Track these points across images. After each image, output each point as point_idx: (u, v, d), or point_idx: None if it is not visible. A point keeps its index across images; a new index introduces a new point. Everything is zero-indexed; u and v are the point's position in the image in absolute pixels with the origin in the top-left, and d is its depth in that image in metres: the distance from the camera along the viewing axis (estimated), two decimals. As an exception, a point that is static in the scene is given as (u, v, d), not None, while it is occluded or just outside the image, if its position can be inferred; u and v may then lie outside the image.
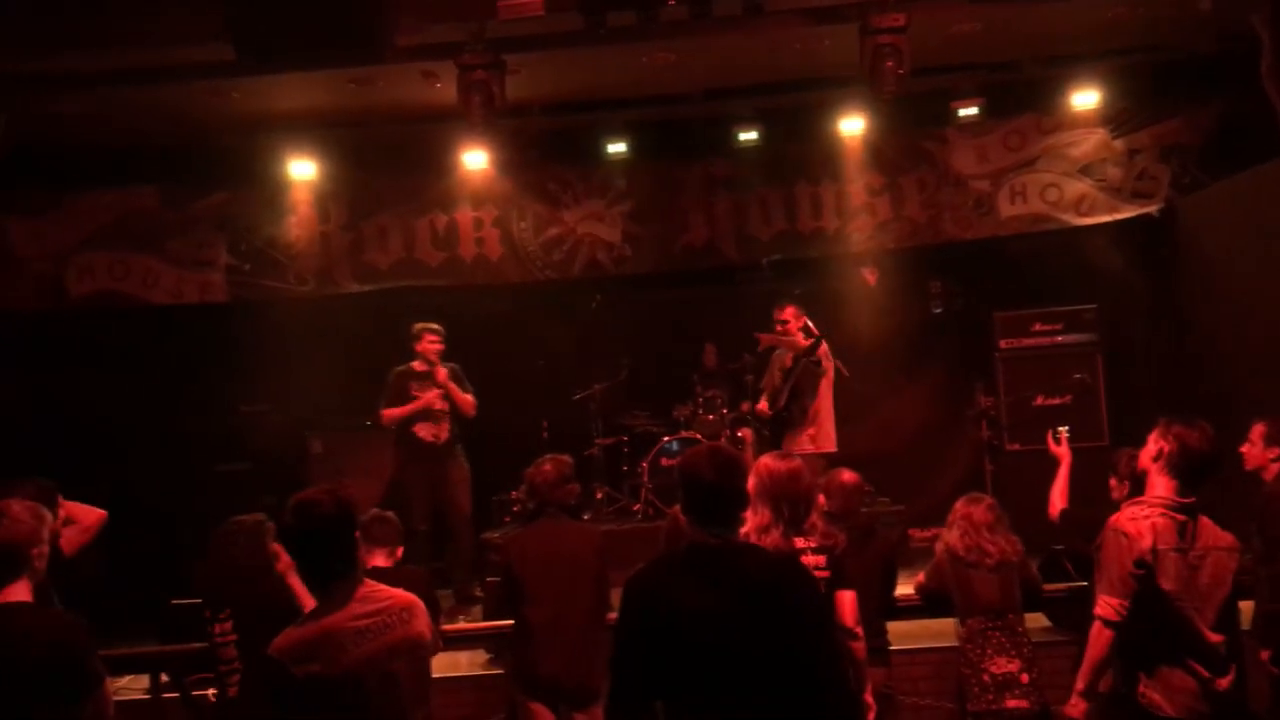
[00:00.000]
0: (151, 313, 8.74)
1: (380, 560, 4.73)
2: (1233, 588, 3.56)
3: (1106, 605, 3.53)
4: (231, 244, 8.80)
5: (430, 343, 7.34)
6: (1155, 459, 3.61)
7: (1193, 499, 3.56)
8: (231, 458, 8.41)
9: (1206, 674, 3.46)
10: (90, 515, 4.94)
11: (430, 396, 7.28)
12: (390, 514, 4.94)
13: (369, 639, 3.16)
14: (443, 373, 7.33)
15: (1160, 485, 3.59)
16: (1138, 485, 3.87)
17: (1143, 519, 3.53)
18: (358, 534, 3.30)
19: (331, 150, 8.66)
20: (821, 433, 7.18)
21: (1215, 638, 3.49)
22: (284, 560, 4.42)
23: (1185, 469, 3.54)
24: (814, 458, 7.04)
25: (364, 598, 3.22)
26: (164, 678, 5.94)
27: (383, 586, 3.30)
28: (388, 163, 8.79)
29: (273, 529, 4.58)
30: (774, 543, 3.83)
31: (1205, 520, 3.58)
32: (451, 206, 8.93)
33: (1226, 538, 3.59)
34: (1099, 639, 3.57)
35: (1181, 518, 3.53)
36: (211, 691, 4.85)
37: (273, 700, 3.15)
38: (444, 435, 7.35)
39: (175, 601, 5.87)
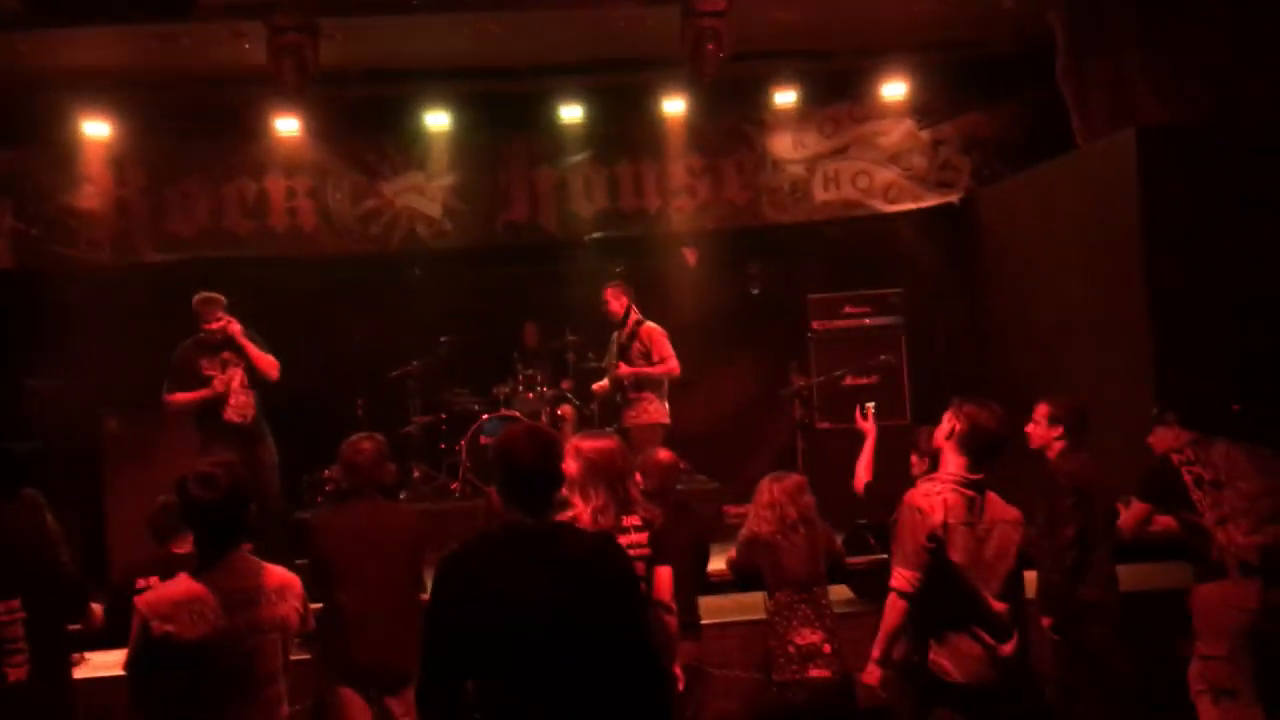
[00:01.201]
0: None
1: (180, 548, 4.51)
2: (1017, 560, 3.77)
3: (900, 577, 3.70)
4: (18, 207, 8.20)
5: (212, 320, 6.68)
6: (948, 437, 3.79)
7: (982, 475, 3.75)
8: (19, 435, 7.86)
9: (991, 641, 3.66)
10: None
11: (226, 378, 6.68)
12: None
13: (234, 612, 3.20)
14: (236, 327, 6.69)
15: (952, 462, 3.77)
16: (936, 462, 4.06)
17: (935, 495, 3.70)
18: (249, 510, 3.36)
19: (130, 111, 8.16)
20: (654, 405, 7.29)
21: (1000, 606, 3.69)
22: None
23: (975, 447, 3.73)
24: (650, 428, 7.15)
25: (242, 572, 3.30)
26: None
27: (263, 564, 3.35)
28: (193, 126, 8.35)
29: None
30: (610, 523, 3.84)
31: (992, 495, 3.78)
32: (262, 174, 8.58)
33: (1012, 512, 3.80)
34: (893, 609, 3.74)
35: (971, 493, 3.72)
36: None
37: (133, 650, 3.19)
38: (251, 414, 6.78)
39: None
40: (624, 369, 7.23)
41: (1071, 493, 4.75)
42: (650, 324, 7.35)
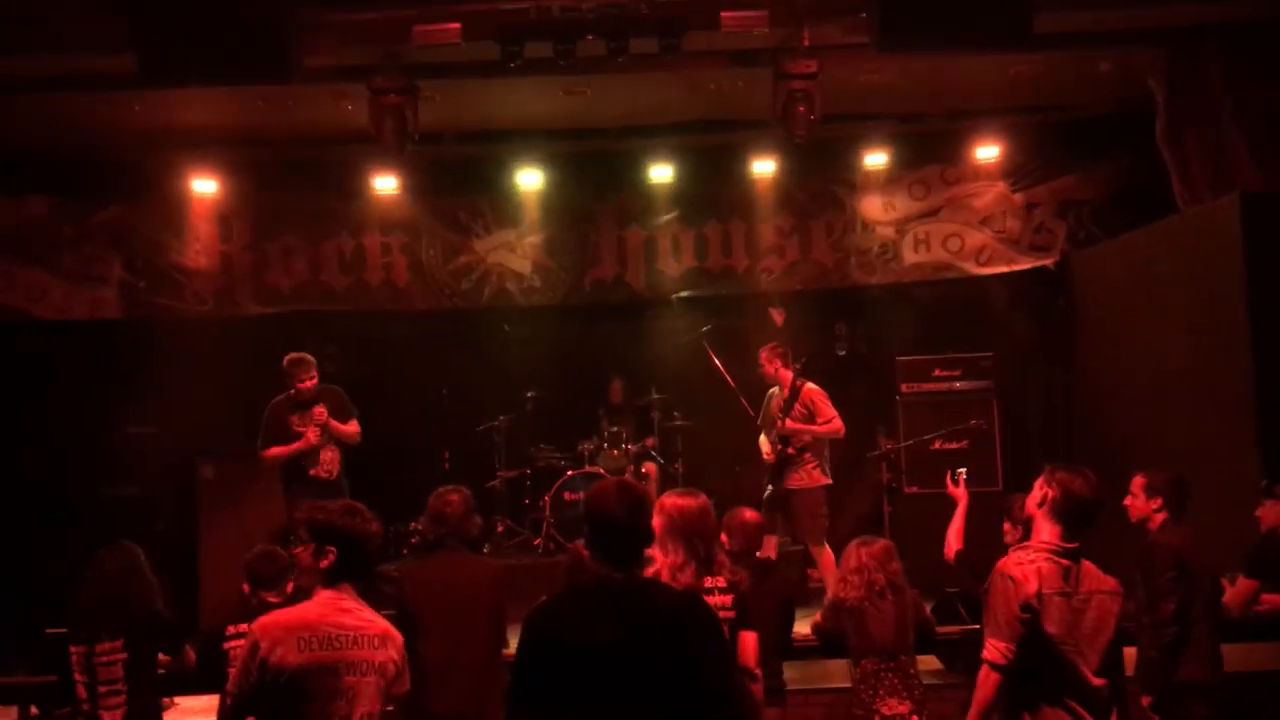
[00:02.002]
0: (37, 327, 8.40)
1: (271, 598, 4.58)
2: (1115, 631, 3.63)
3: (994, 649, 3.58)
4: (127, 260, 8.55)
5: (304, 379, 6.81)
6: (1040, 505, 3.68)
7: (1076, 544, 3.63)
8: (118, 480, 8.10)
9: (1088, 717, 3.52)
10: None
11: (311, 435, 6.81)
12: (279, 550, 4.79)
13: (336, 646, 3.22)
14: (321, 411, 6.83)
15: (1045, 530, 3.65)
16: (1029, 530, 3.94)
17: (1028, 564, 3.59)
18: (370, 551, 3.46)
19: (236, 168, 8.49)
20: (815, 467, 7.18)
21: (1098, 681, 3.55)
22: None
23: (1069, 515, 3.61)
24: (813, 491, 7.11)
25: (348, 610, 3.32)
26: (33, 710, 5.68)
27: (368, 609, 3.37)
28: (294, 183, 8.65)
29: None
30: (688, 581, 3.80)
31: (1088, 564, 3.65)
32: (359, 231, 8.82)
33: (1109, 582, 3.66)
34: (986, 681, 3.61)
35: (1066, 562, 3.60)
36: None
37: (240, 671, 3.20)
38: (336, 470, 6.91)
39: (51, 630, 5.61)
40: (790, 424, 7.14)
41: (1172, 567, 4.58)
42: (811, 385, 7.21)
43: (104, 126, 7.72)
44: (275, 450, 6.86)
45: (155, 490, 8.04)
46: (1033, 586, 3.53)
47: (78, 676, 4.57)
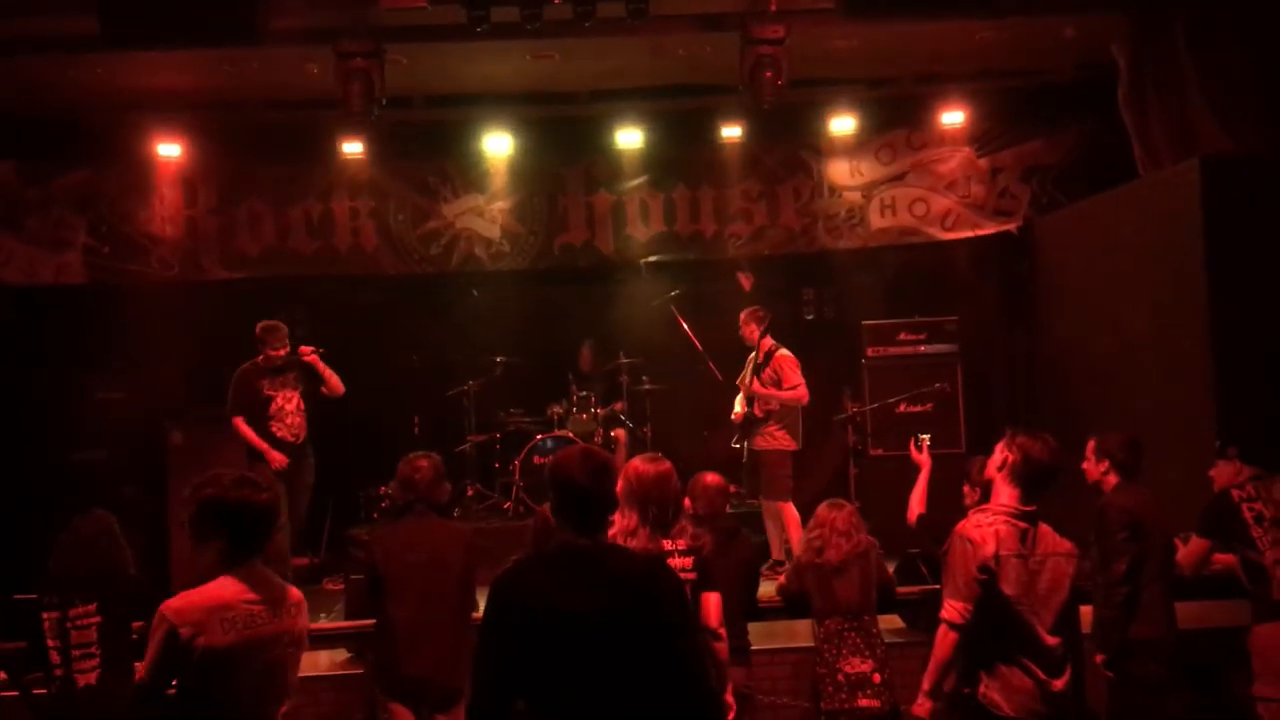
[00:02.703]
0: (4, 292, 8.33)
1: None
2: (1070, 592, 3.73)
3: (951, 608, 3.68)
4: (92, 225, 8.46)
5: (276, 347, 6.98)
6: (1000, 468, 3.78)
7: (1034, 507, 3.73)
8: (87, 446, 8.08)
9: (1043, 675, 3.63)
10: None
11: (282, 401, 6.99)
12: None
13: (257, 623, 3.20)
14: (307, 351, 7.05)
15: (1004, 494, 3.75)
16: (988, 492, 4.04)
17: (987, 526, 3.68)
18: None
19: (201, 132, 8.40)
20: (781, 431, 7.31)
21: (1052, 640, 3.65)
22: None
23: (1027, 478, 3.71)
24: (778, 454, 7.23)
25: (264, 583, 3.28)
26: (1, 675, 5.69)
27: (276, 577, 3.35)
28: (261, 148, 8.57)
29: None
30: (640, 545, 3.87)
31: (1045, 527, 3.75)
32: (327, 195, 8.77)
33: (1065, 544, 3.77)
34: (944, 641, 3.72)
35: (1023, 525, 3.70)
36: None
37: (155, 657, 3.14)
38: (302, 435, 7.07)
39: (19, 596, 5.62)
40: (757, 387, 7.28)
41: (1123, 527, 4.70)
42: (784, 352, 7.36)
43: (68, 89, 7.63)
44: (245, 429, 6.94)
45: (124, 456, 8.03)
46: (990, 549, 3.63)
47: (50, 642, 4.60)
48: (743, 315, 7.55)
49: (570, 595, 2.76)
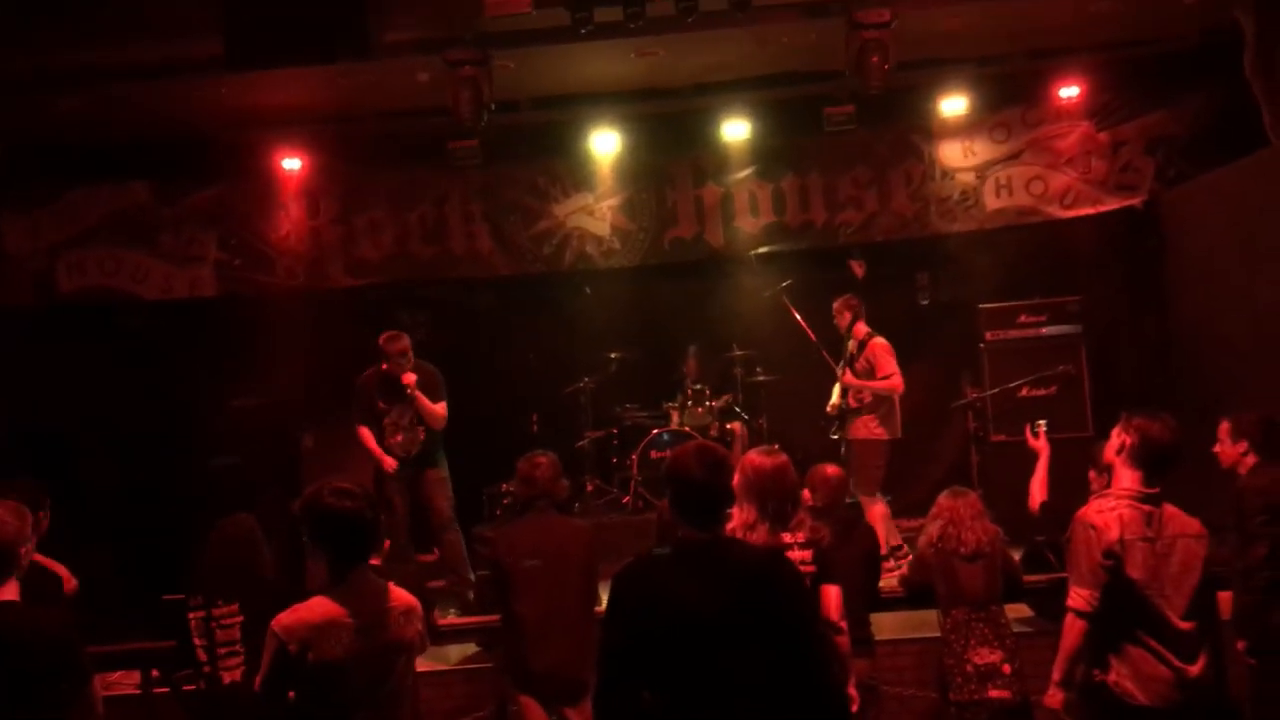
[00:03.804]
0: (142, 308, 8.76)
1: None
2: (1203, 574, 3.61)
3: (1078, 596, 3.61)
4: (221, 239, 8.82)
5: (398, 354, 6.93)
6: (1119, 452, 3.68)
7: (1157, 489, 3.62)
8: (223, 453, 8.43)
9: (1177, 662, 3.53)
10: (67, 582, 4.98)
11: (396, 416, 7.01)
12: None
13: (367, 635, 3.25)
14: (411, 378, 6.93)
15: (1125, 477, 3.66)
16: (1113, 477, 3.93)
17: (1109, 510, 3.59)
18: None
19: (321, 145, 8.68)
20: (875, 420, 7.28)
21: (1185, 625, 3.55)
22: None
23: (1148, 460, 3.61)
24: (872, 443, 7.22)
25: (371, 593, 3.32)
26: (154, 673, 5.98)
27: (389, 585, 3.40)
28: (377, 157, 8.81)
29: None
30: (760, 539, 3.87)
31: (1171, 508, 3.64)
32: (441, 201, 8.95)
33: (1193, 525, 3.65)
34: (1072, 629, 3.65)
35: (1147, 508, 3.60)
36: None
37: (268, 672, 3.21)
38: (414, 451, 7.04)
39: (167, 597, 5.91)
40: (848, 378, 7.25)
41: (1262, 510, 4.53)
42: (879, 339, 7.31)
43: (195, 110, 7.95)
44: (366, 436, 7.06)
45: (259, 461, 8.35)
46: (1114, 534, 3.55)
47: (197, 640, 4.80)
48: (836, 304, 7.50)
49: (690, 590, 2.80)
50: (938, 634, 5.05)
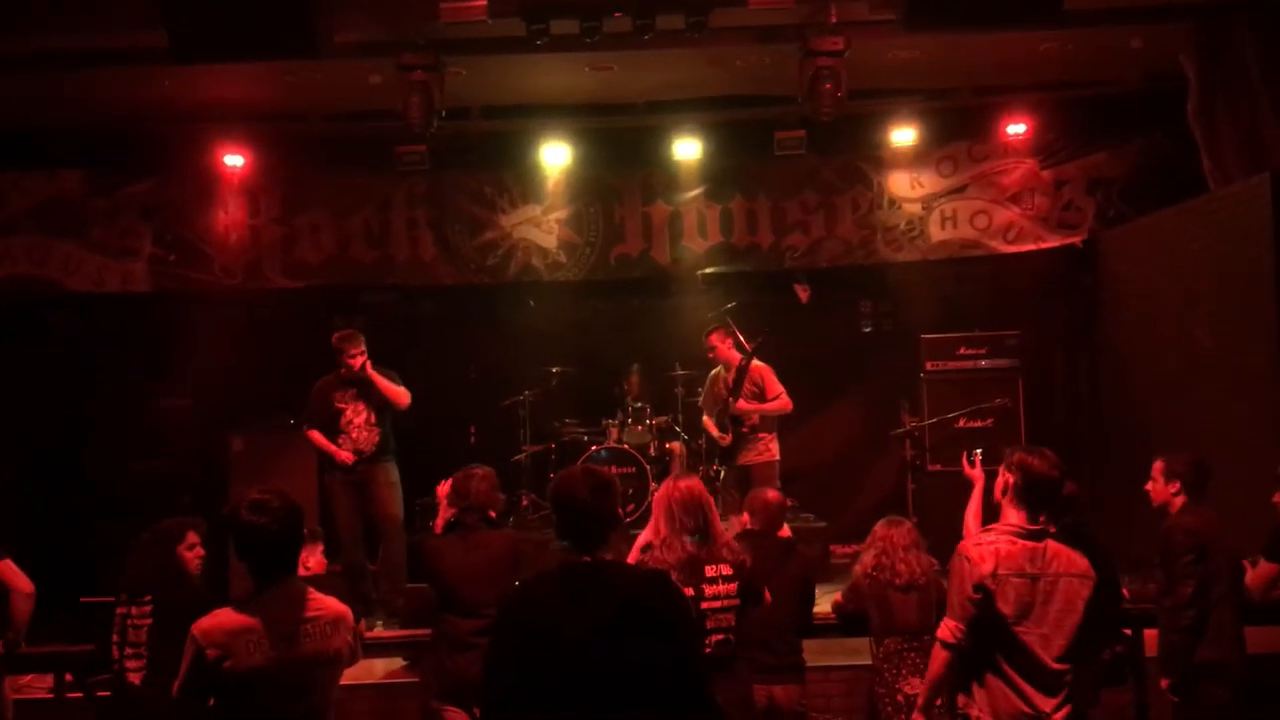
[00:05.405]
0: (70, 301, 8.52)
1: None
2: (1084, 615, 3.54)
3: (945, 627, 3.59)
4: (157, 233, 8.62)
5: (353, 355, 6.75)
6: (1003, 493, 3.66)
7: (1040, 525, 3.60)
8: (149, 453, 8.23)
9: (1039, 700, 3.46)
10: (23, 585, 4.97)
11: (351, 414, 6.81)
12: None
13: (291, 644, 3.18)
14: (360, 360, 6.74)
15: (1011, 515, 3.62)
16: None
17: (987, 545, 3.57)
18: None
19: (264, 143, 8.53)
20: (769, 442, 7.28)
21: (1058, 666, 3.50)
22: None
23: (1031, 496, 3.59)
24: (767, 465, 7.18)
25: (296, 602, 3.26)
26: (68, 677, 5.80)
27: (317, 595, 3.33)
28: (322, 158, 8.69)
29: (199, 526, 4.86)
30: (675, 557, 4.00)
31: (1057, 546, 3.59)
32: (386, 206, 8.85)
33: (1079, 563, 3.59)
34: (937, 659, 3.63)
35: (1030, 544, 3.56)
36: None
37: (186, 677, 3.15)
38: (369, 451, 6.84)
39: (86, 599, 5.73)
40: (743, 404, 7.21)
41: (1190, 549, 4.59)
42: (758, 362, 7.32)
43: (135, 101, 7.79)
44: (317, 438, 6.86)
45: (186, 463, 8.16)
46: (987, 567, 3.51)
47: (114, 638, 4.71)
48: (713, 336, 7.39)
49: (571, 612, 2.77)
50: (869, 661, 5.04)
